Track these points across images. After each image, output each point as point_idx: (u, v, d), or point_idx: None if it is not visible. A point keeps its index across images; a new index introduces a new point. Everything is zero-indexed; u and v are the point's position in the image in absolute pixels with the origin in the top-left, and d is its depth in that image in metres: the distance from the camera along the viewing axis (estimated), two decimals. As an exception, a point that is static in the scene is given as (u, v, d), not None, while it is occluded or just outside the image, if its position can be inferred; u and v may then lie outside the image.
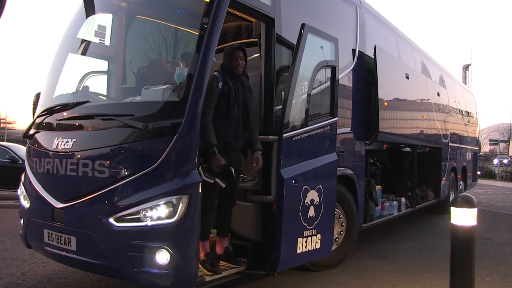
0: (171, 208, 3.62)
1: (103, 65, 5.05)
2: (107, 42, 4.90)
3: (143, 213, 3.63)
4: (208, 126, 4.00)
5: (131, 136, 3.80)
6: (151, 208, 3.63)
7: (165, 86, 3.94)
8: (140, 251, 3.61)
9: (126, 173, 3.74)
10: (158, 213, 3.63)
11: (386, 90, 6.81)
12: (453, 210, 4.05)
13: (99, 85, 4.85)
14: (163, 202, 3.62)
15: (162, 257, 3.60)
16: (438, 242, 7.40)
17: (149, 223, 3.62)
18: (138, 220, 3.64)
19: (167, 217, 3.61)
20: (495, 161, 32.36)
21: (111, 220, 3.69)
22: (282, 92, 4.50)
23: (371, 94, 6.53)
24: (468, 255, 3.99)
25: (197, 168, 3.79)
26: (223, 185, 4.03)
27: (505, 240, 8.05)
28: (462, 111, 12.50)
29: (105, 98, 4.74)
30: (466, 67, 48.29)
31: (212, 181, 3.96)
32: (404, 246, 7.22)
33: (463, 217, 3.98)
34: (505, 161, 32.46)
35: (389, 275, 5.53)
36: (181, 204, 3.61)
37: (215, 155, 3.99)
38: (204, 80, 3.79)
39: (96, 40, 4.83)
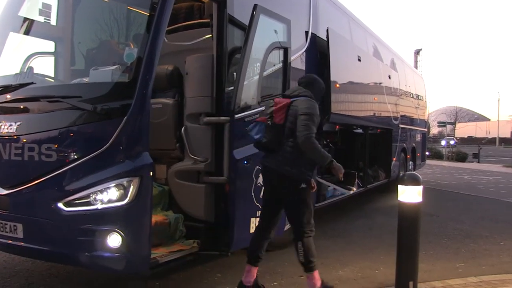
0: (121, 191, 3.55)
1: (49, 45, 4.85)
2: (53, 21, 4.71)
3: (93, 196, 3.55)
4: (319, 146, 3.94)
5: (79, 118, 3.70)
6: (101, 191, 3.55)
7: (114, 67, 3.84)
8: (91, 235, 3.54)
9: (75, 156, 3.64)
10: (109, 196, 3.56)
11: (339, 72, 6.89)
12: (400, 188, 4.16)
13: (45, 67, 4.66)
14: (113, 184, 3.55)
15: (114, 240, 3.54)
16: (388, 219, 7.62)
17: (99, 206, 3.54)
18: (88, 203, 3.56)
19: (118, 200, 3.55)
20: (443, 142, 33.51)
21: (60, 205, 3.58)
22: (234, 73, 4.47)
23: (324, 76, 6.58)
24: (413, 230, 4.12)
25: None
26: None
27: (449, 216, 8.41)
28: (412, 94, 12.82)
29: (52, 80, 4.57)
30: (417, 52, 49.43)
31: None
32: (356, 225, 7.41)
33: (409, 194, 4.09)
34: (452, 142, 33.62)
35: (342, 253, 5.66)
36: (132, 186, 3.55)
37: (335, 165, 3.98)
38: (154, 61, 3.71)
39: (41, 19, 4.63)
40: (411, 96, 12.72)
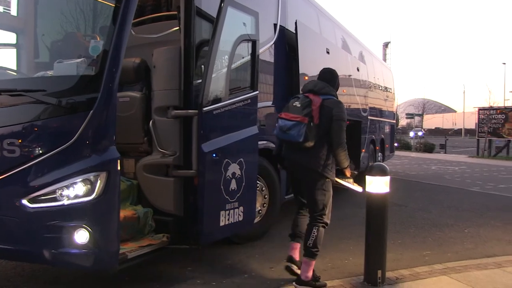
0: (88, 186, 3.50)
1: (10, 37, 4.72)
2: (13, 12, 4.58)
3: (59, 192, 3.49)
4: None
5: (44, 112, 3.61)
6: (67, 187, 3.49)
7: (79, 60, 3.77)
8: (57, 231, 3.48)
9: (39, 151, 3.56)
10: (75, 191, 3.50)
11: (307, 64, 6.92)
12: (368, 178, 4.24)
13: (5, 59, 4.53)
14: (80, 179, 3.49)
15: (81, 236, 3.49)
16: (358, 210, 7.72)
17: (66, 202, 3.48)
18: (54, 199, 3.49)
19: (85, 195, 3.50)
20: (411, 134, 34.19)
21: (25, 201, 3.51)
22: (202, 66, 4.44)
23: (293, 69, 6.62)
24: (381, 220, 4.21)
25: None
26: (359, 189, 4.43)
27: (417, 206, 8.59)
28: (380, 86, 13.00)
29: (14, 73, 4.45)
30: (386, 45, 50.05)
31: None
32: (326, 216, 7.48)
33: (377, 185, 4.18)
34: (420, 133, 34.30)
35: (311, 244, 5.71)
36: (99, 181, 3.51)
37: (350, 169, 4.31)
38: (121, 54, 3.66)
39: (-1, 9, 4.50)
40: (380, 88, 12.90)
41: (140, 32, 5.41)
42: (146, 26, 5.52)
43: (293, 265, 4.37)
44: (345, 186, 4.46)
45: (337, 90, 4.51)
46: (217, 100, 4.41)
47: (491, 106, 25.32)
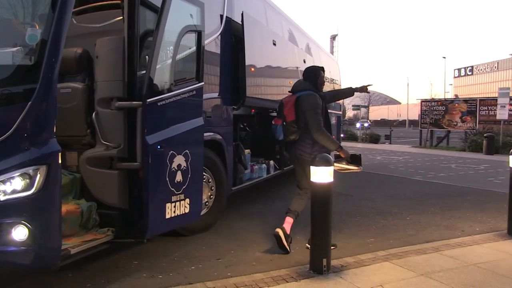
0: (27, 180, 3.38)
1: None
2: None
3: (-5, 187, 3.36)
4: (329, 135, 4.93)
5: (-23, 104, 3.45)
6: (3, 182, 3.35)
7: (15, 49, 3.62)
8: (-7, 229, 3.35)
9: (-27, 145, 3.40)
10: (13, 186, 3.37)
11: (253, 56, 6.96)
12: (313, 169, 4.32)
13: None
14: (17, 174, 3.37)
15: (20, 233, 3.37)
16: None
17: (2, 197, 3.35)
18: (-10, 195, 3.36)
19: (23, 190, 3.38)
20: (357, 125, 35.01)
21: (-43, 198, 3.35)
22: (147, 56, 4.37)
23: (239, 60, 6.63)
24: (326, 209, 4.30)
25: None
26: (357, 169, 4.95)
27: (362, 195, 8.83)
28: (327, 78, 13.19)
29: None
30: (333, 37, 50.80)
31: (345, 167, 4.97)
32: (273, 207, 7.59)
33: (321, 175, 4.26)
34: (366, 124, 35.20)
35: (259, 235, 5.78)
36: (38, 175, 3.40)
37: (343, 150, 4.96)
38: (61, 43, 3.54)
39: None
40: (326, 80, 13.09)
41: (82, 21, 5.26)
42: (88, 15, 5.37)
43: (282, 236, 4.95)
44: (343, 168, 4.97)
45: (321, 85, 5.23)
46: (161, 91, 4.36)
47: (432, 98, 26.20)
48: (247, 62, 6.58)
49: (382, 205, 7.88)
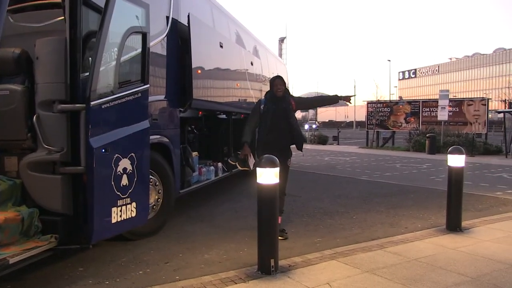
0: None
1: None
2: None
3: None
4: (246, 131, 5.99)
5: None
6: None
7: None
8: None
9: None
10: None
11: (200, 58, 6.97)
12: (259, 170, 4.39)
13: None
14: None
15: None
16: (254, 202, 7.86)
17: None
18: None
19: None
20: (306, 126, 35.56)
21: None
22: (90, 58, 4.31)
23: (185, 62, 6.63)
24: (272, 210, 4.38)
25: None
26: (239, 167, 6.16)
27: (310, 196, 9.01)
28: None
29: None
30: (282, 40, 51.32)
31: (234, 163, 6.27)
32: (222, 209, 7.62)
33: (267, 176, 4.34)
34: (314, 126, 35.80)
35: (207, 237, 5.80)
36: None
37: (244, 147, 5.92)
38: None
39: None
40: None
41: (20, 20, 5.11)
42: (27, 14, 5.22)
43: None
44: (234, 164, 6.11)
45: (271, 91, 6.08)
46: (105, 93, 4.31)
47: (378, 100, 27.07)
48: (194, 64, 6.59)
49: (329, 205, 8.07)
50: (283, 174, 6.10)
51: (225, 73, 8.60)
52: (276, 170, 4.37)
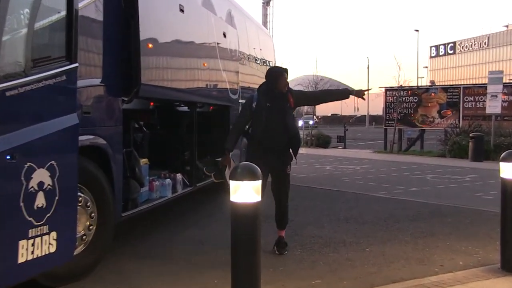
0: None
1: None
2: None
3: None
4: (231, 134, 6.92)
5: None
6: None
7: None
8: None
9: None
10: None
11: (152, 27, 6.89)
12: (233, 184, 4.33)
13: None
14: None
15: None
16: (226, 228, 7.85)
17: None
18: None
19: None
20: (300, 123, 35.58)
21: None
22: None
23: (130, 32, 6.52)
24: (251, 240, 4.33)
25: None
26: (214, 180, 7.14)
27: (306, 219, 9.01)
28: (257, 58, 13.36)
29: None
30: (266, 3, 51.41)
31: (210, 174, 7.27)
32: (182, 238, 7.57)
33: (244, 192, 4.28)
34: (311, 122, 35.88)
35: (159, 279, 5.73)
36: None
37: (225, 154, 6.74)
38: None
39: None
40: (256, 61, 13.26)
41: None
42: None
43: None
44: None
45: (269, 85, 6.82)
46: (11, 75, 4.17)
47: (401, 86, 27.01)
48: (143, 36, 6.48)
49: (332, 233, 8.03)
50: (282, 185, 6.89)
51: (188, 48, 8.53)
52: (257, 184, 4.32)
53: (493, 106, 21.07)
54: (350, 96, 7.44)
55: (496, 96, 21.08)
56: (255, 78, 12.82)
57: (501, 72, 22.32)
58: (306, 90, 43.41)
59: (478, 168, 17.80)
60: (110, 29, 6.22)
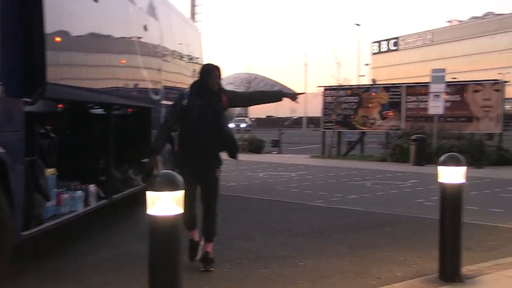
0: None
1: None
2: None
3: None
4: (159, 133, 7.18)
5: None
6: None
7: None
8: None
9: None
10: None
11: (59, 17, 6.75)
12: (150, 195, 4.26)
13: None
14: None
15: None
16: (146, 245, 7.76)
17: None
18: None
19: None
20: (231, 125, 35.65)
21: None
22: None
23: (33, 23, 6.34)
24: (169, 258, 4.28)
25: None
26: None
27: (235, 232, 9.02)
28: (183, 54, 13.27)
29: None
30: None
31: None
32: (95, 258, 7.42)
33: (163, 203, 4.23)
34: (243, 125, 35.97)
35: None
36: None
37: (153, 156, 6.90)
38: None
39: None
40: (182, 58, 13.17)
41: None
42: None
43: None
44: None
45: (201, 83, 7.01)
46: None
47: (340, 85, 27.28)
48: (49, 27, 6.31)
49: (264, 246, 8.05)
50: (211, 189, 7.10)
51: (102, 42, 8.40)
52: (178, 194, 4.27)
53: (436, 107, 21.62)
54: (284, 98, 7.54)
55: (439, 95, 21.62)
56: (181, 76, 12.76)
57: (444, 70, 22.74)
58: (237, 89, 43.72)
59: (420, 173, 18.26)
60: (9, 20, 6.03)
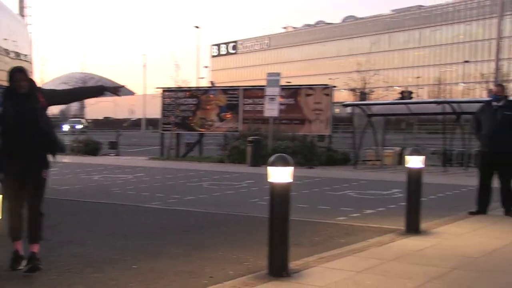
0: None
1: None
2: None
3: None
4: None
5: None
6: None
7: None
8: None
9: None
10: None
11: None
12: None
13: None
14: None
15: None
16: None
17: None
18: None
19: None
20: (65, 127, 34.78)
21: None
22: None
23: None
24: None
25: None
26: None
27: (66, 237, 8.82)
28: (8, 50, 12.77)
29: None
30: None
31: None
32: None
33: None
34: (79, 126, 35.14)
35: None
36: None
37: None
38: None
39: None
40: (8, 54, 12.68)
41: None
42: None
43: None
44: None
45: (10, 86, 6.68)
46: None
47: (178, 87, 27.33)
48: None
49: (96, 250, 7.90)
50: (38, 189, 6.83)
51: None
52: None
53: (271, 109, 22.30)
54: (106, 93, 7.40)
55: (274, 98, 22.28)
56: (4, 74, 12.25)
57: (279, 74, 23.49)
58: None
59: (256, 173, 18.65)
60: None
